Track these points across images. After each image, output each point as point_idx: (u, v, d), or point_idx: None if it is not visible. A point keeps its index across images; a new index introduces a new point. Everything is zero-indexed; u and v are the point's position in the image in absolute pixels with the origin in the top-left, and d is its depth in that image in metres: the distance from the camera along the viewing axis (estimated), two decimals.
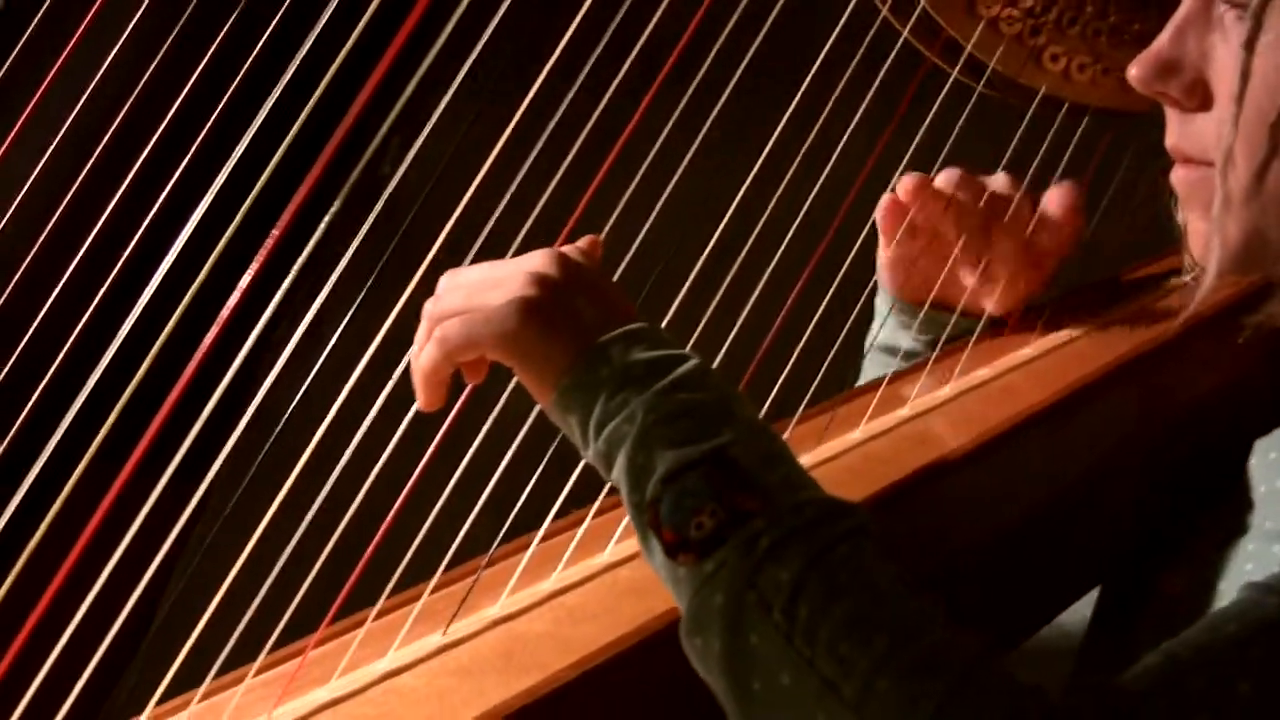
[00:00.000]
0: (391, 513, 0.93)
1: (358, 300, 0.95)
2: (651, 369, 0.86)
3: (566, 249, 0.93)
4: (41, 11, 0.95)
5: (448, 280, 0.93)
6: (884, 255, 1.26)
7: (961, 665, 0.77)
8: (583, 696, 0.88)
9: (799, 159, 1.08)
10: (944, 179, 1.22)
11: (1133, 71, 0.96)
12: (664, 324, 0.97)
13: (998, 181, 1.23)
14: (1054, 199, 1.23)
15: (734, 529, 0.81)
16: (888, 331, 1.29)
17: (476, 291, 0.90)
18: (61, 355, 0.93)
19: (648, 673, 0.89)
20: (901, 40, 1.15)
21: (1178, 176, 0.98)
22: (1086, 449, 1.10)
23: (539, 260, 0.91)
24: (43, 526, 0.88)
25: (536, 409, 0.92)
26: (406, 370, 0.93)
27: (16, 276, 0.95)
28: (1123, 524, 1.09)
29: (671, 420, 0.84)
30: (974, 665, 0.78)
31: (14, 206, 0.95)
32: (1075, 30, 1.20)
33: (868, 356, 1.31)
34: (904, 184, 1.21)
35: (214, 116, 0.96)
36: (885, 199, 1.22)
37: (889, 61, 1.13)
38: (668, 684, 0.88)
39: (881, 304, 1.29)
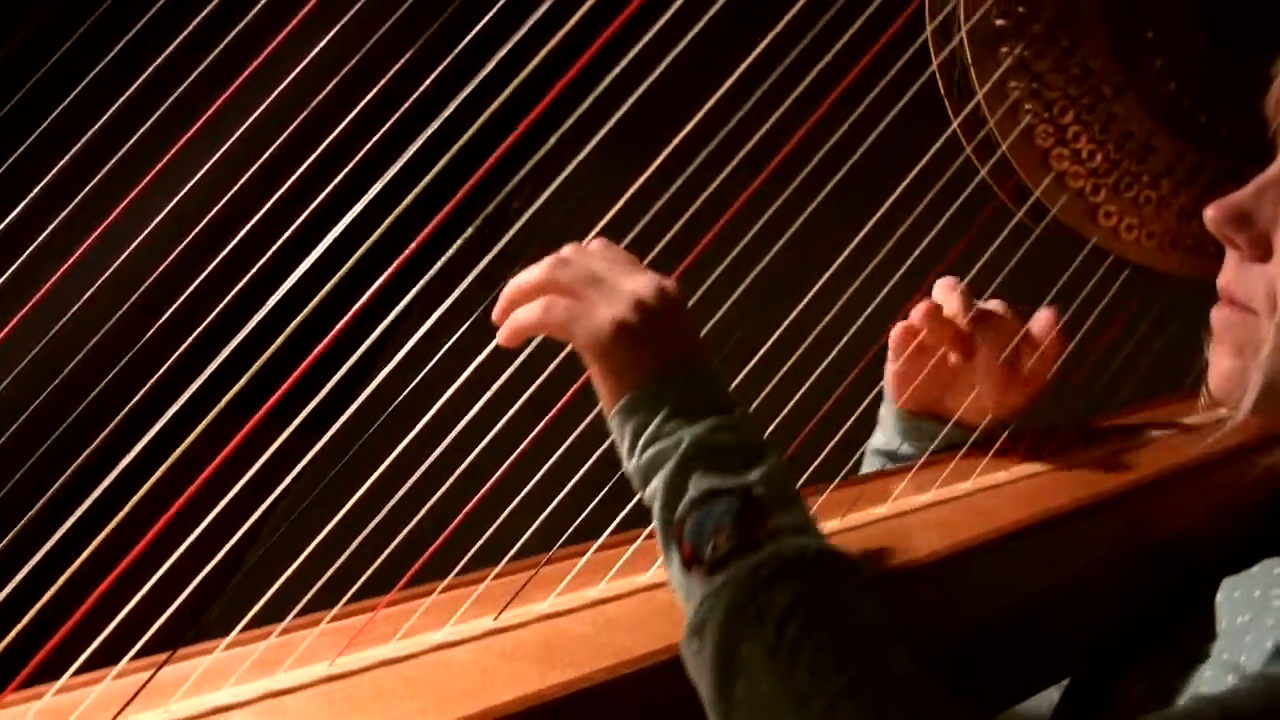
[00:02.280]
0: (472, 502, 1.05)
1: (475, 313, 1.08)
2: (705, 406, 0.98)
3: (671, 283, 1.03)
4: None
5: (575, 254, 1.04)
6: (891, 368, 1.35)
7: (920, 703, 0.88)
8: (611, 699, 0.97)
9: (873, 265, 1.21)
10: (949, 298, 1.31)
11: (1209, 212, 1.05)
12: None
13: (994, 305, 1.32)
14: (1038, 322, 1.31)
15: (744, 554, 0.93)
16: (886, 437, 1.38)
17: (593, 284, 1.01)
18: (218, 310, 1.05)
19: (670, 687, 0.97)
20: (979, 178, 1.28)
21: (1219, 315, 1.06)
22: (1051, 569, 1.17)
23: (648, 286, 1.02)
24: (175, 453, 1.00)
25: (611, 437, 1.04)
26: (505, 382, 1.06)
27: (190, 239, 1.07)
28: (1089, 633, 1.16)
29: (710, 453, 0.97)
30: (932, 703, 0.89)
31: (194, 181, 1.08)
32: (1130, 195, 1.31)
33: (866, 458, 1.40)
34: (918, 309, 1.30)
35: (386, 129, 1.09)
36: (901, 325, 1.31)
37: (965, 193, 1.26)
38: (685, 701, 0.96)
39: (885, 412, 1.39)
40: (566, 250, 1.05)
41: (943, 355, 1.32)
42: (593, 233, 1.09)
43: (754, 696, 0.90)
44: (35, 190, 1.05)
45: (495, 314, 1.05)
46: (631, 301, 1.01)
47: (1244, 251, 1.05)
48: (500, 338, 1.04)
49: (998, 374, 1.30)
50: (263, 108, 1.08)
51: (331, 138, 1.08)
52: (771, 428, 1.13)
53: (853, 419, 1.25)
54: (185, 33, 1.10)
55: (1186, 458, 1.19)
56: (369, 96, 1.08)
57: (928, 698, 0.89)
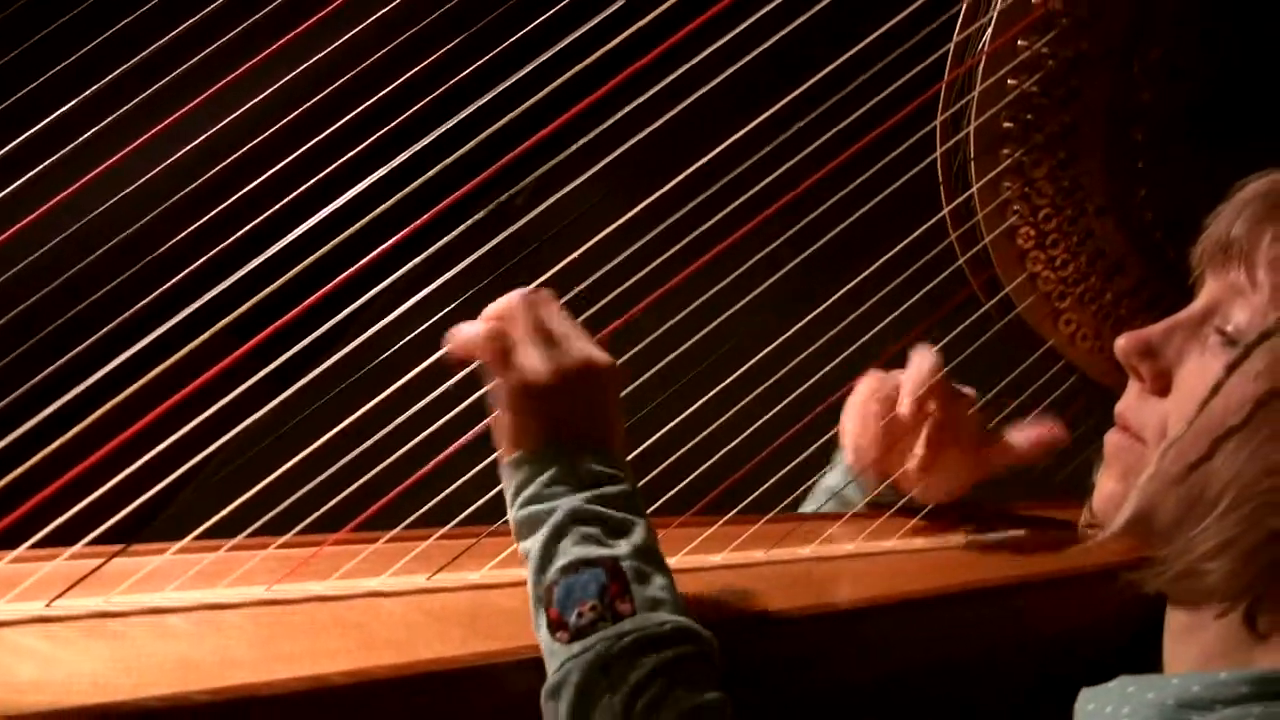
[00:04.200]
0: (429, 465, 1.11)
1: (463, 295, 1.14)
2: (589, 480, 1.06)
3: (610, 366, 1.08)
4: None
5: (541, 302, 1.09)
6: (850, 415, 1.38)
7: None
8: (526, 677, 1.03)
9: (844, 324, 1.29)
10: (925, 380, 1.34)
11: (1120, 342, 1.11)
12: (686, 411, 1.17)
13: (966, 392, 1.37)
14: (1029, 434, 1.37)
15: (605, 625, 1.01)
16: (837, 478, 1.44)
17: (542, 338, 1.07)
18: (229, 242, 1.11)
19: None
20: (956, 265, 1.36)
21: (1112, 439, 1.12)
22: (941, 642, 1.23)
23: (581, 360, 1.08)
24: (168, 361, 1.06)
25: None
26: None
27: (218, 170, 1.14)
28: (963, 712, 1.24)
29: (585, 523, 1.04)
30: None
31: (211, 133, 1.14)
32: (1092, 308, 1.39)
33: (814, 492, 1.46)
34: (911, 402, 1.33)
35: (412, 112, 1.16)
36: (869, 385, 1.37)
37: (942, 275, 1.34)
38: None
39: (841, 462, 1.44)
40: (539, 293, 1.11)
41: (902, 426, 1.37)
42: (585, 245, 1.16)
43: None
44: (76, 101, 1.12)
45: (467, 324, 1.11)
46: (563, 367, 1.07)
47: (1146, 384, 1.10)
48: (449, 344, 1.09)
49: (955, 463, 1.36)
50: (302, 68, 1.14)
51: (369, 103, 1.15)
52: (723, 452, 1.21)
53: (798, 460, 1.32)
54: None
55: (1081, 564, 1.25)
56: (410, 73, 1.15)
57: None
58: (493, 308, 1.09)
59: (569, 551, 1.03)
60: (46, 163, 1.08)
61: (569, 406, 1.07)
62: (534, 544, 1.04)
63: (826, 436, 1.37)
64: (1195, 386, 1.06)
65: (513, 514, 1.06)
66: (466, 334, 1.09)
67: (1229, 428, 1.03)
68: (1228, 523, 1.01)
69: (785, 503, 1.38)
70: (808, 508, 1.45)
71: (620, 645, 1.00)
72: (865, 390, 1.38)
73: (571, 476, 1.05)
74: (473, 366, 1.10)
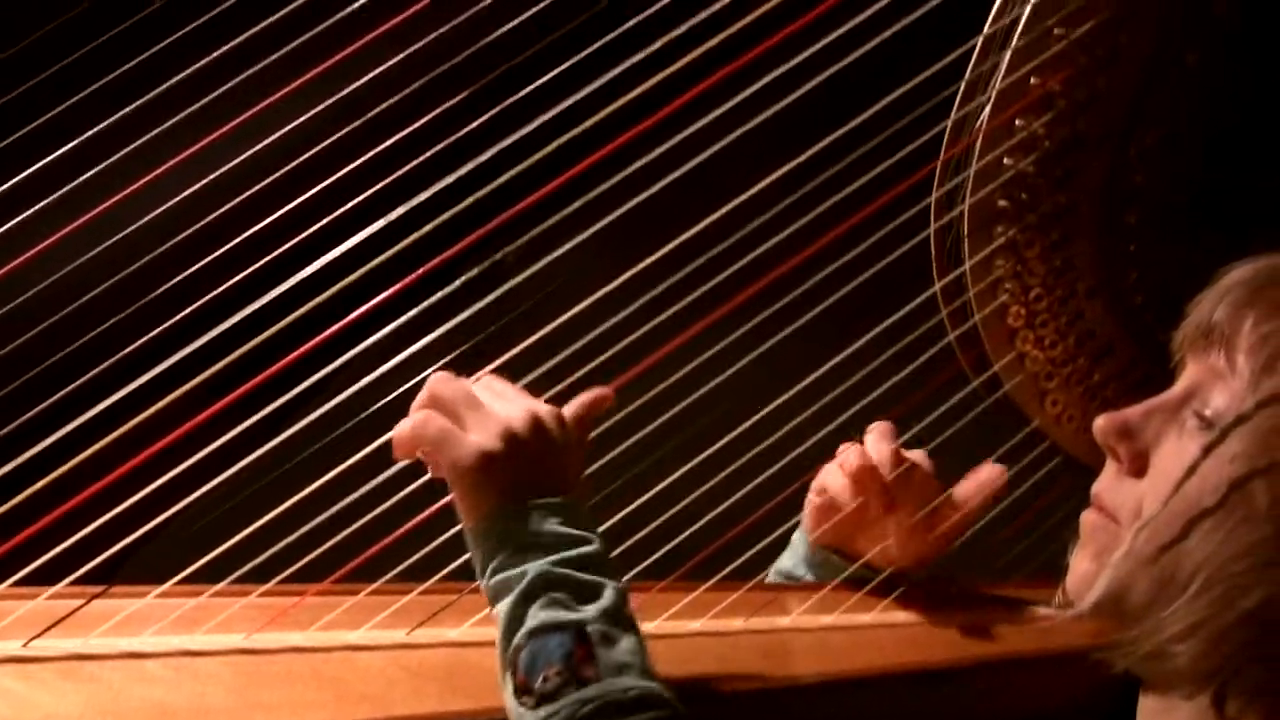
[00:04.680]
0: (413, 521, 1.12)
1: (454, 354, 1.15)
2: (554, 541, 1.05)
3: (548, 414, 1.08)
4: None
5: (444, 382, 1.08)
6: (811, 499, 1.38)
7: None
8: None
9: (830, 396, 1.30)
10: (879, 450, 1.33)
11: (1099, 422, 1.13)
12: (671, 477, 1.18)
13: (919, 458, 1.35)
14: (969, 486, 1.36)
15: (570, 690, 1.00)
16: (792, 562, 1.42)
17: (471, 407, 1.07)
18: (219, 291, 1.13)
19: None
20: (945, 341, 1.37)
21: (1087, 519, 1.14)
22: (918, 717, 1.24)
23: (522, 416, 1.07)
24: (156, 406, 1.07)
25: None
26: None
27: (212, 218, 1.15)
28: None
29: (551, 588, 1.03)
30: None
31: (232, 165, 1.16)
32: (1079, 389, 1.40)
33: (770, 575, 1.43)
34: (854, 468, 1.32)
35: (410, 168, 1.18)
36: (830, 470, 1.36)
37: (930, 352, 1.34)
38: None
39: (797, 538, 1.42)
40: (448, 372, 1.10)
41: (861, 501, 1.36)
42: (575, 309, 1.17)
43: None
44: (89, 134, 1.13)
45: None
46: (499, 430, 1.06)
47: (1123, 465, 1.12)
48: (394, 451, 1.09)
49: (910, 528, 1.35)
50: (295, 123, 1.16)
51: (369, 156, 1.16)
52: (706, 519, 1.22)
53: (781, 530, 1.34)
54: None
55: (1052, 645, 1.26)
56: (406, 132, 1.16)
57: None
58: (416, 403, 1.09)
59: (536, 616, 1.02)
60: (35, 208, 1.09)
61: (519, 466, 1.06)
62: (502, 609, 1.04)
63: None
64: (1171, 468, 1.08)
65: (484, 584, 1.06)
66: (399, 427, 1.08)
67: (1203, 509, 1.04)
68: (1199, 604, 1.03)
69: (767, 572, 1.39)
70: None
71: (584, 711, 0.99)
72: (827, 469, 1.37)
73: (535, 539, 1.04)
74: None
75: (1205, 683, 1.04)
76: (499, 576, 1.04)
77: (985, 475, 1.37)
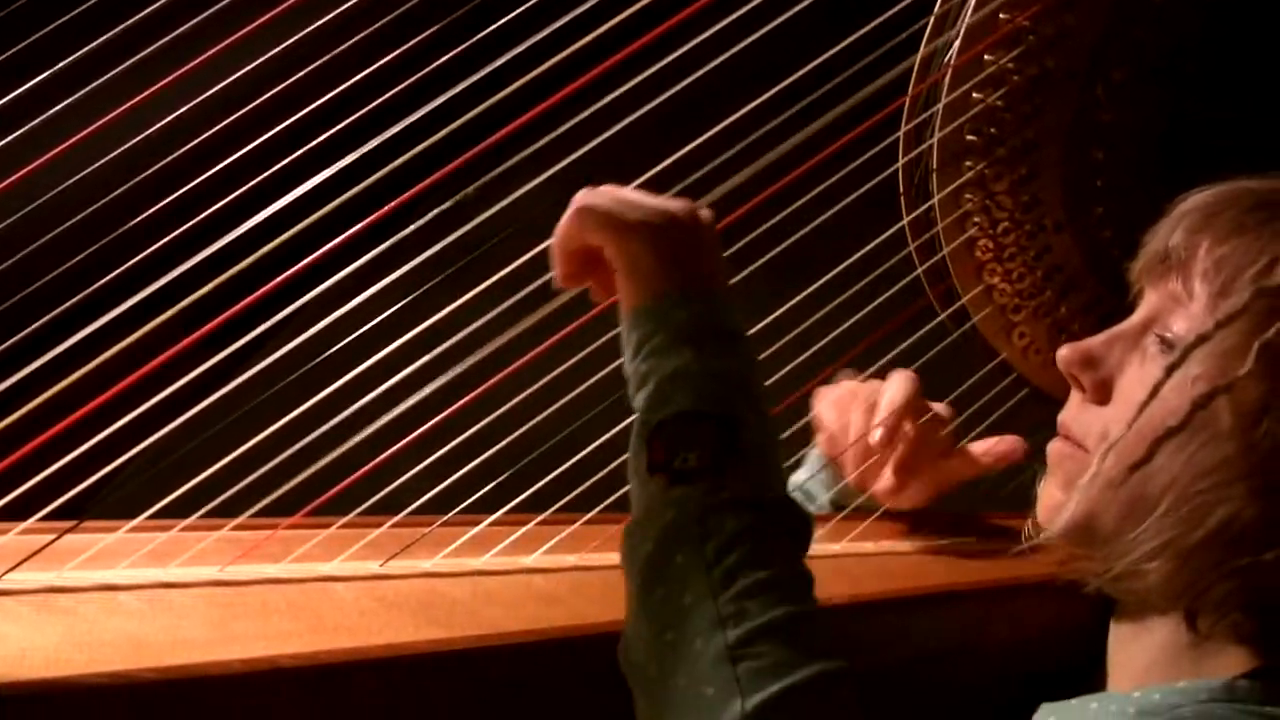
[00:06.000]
0: (386, 453, 1.13)
1: (422, 289, 1.16)
2: (714, 332, 1.03)
3: (699, 206, 1.08)
4: None
5: (600, 189, 1.07)
6: (828, 421, 1.40)
7: (830, 672, 0.95)
8: (475, 667, 1.03)
9: (798, 330, 1.30)
10: (903, 398, 1.35)
11: (1062, 352, 1.15)
12: None
13: (941, 409, 1.39)
14: (992, 447, 1.39)
15: (711, 476, 0.98)
16: (811, 482, 1.46)
17: (622, 202, 1.05)
18: (187, 227, 1.12)
19: (531, 671, 1.05)
20: (914, 275, 1.38)
21: (1054, 448, 1.16)
22: (921, 639, 1.24)
23: (677, 205, 1.06)
24: (124, 342, 1.07)
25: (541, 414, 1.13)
26: (447, 348, 1.13)
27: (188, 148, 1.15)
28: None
29: (708, 377, 1.01)
30: (836, 677, 0.95)
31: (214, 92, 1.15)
32: (1046, 322, 1.41)
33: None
34: (888, 421, 1.34)
35: (372, 107, 1.17)
36: (848, 388, 1.39)
37: (898, 285, 1.35)
38: (542, 688, 1.05)
39: (813, 458, 1.46)
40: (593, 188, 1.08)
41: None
42: (537, 249, 1.15)
43: (672, 606, 0.96)
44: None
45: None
46: (662, 210, 1.05)
47: (1087, 393, 1.14)
48: (554, 274, 1.08)
49: (916, 473, 1.37)
50: (259, 61, 1.16)
51: (331, 95, 1.16)
52: None
53: None
54: None
55: (1021, 574, 1.27)
56: (370, 69, 1.16)
57: (836, 670, 0.95)
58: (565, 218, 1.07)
59: (689, 397, 1.00)
60: None
61: (682, 246, 1.04)
62: (650, 386, 1.02)
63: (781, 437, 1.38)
64: (1135, 393, 1.10)
65: (631, 366, 1.04)
66: (559, 233, 1.06)
67: (1168, 429, 1.06)
68: (1167, 523, 1.05)
69: None
70: None
71: (720, 498, 0.97)
72: (846, 394, 1.39)
73: (697, 327, 1.02)
74: (439, 351, 1.11)
75: (1176, 600, 1.06)
76: (655, 359, 1.02)
77: (1006, 447, 1.38)
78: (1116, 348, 1.14)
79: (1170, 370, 1.07)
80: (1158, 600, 1.08)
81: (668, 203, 1.07)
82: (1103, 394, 1.13)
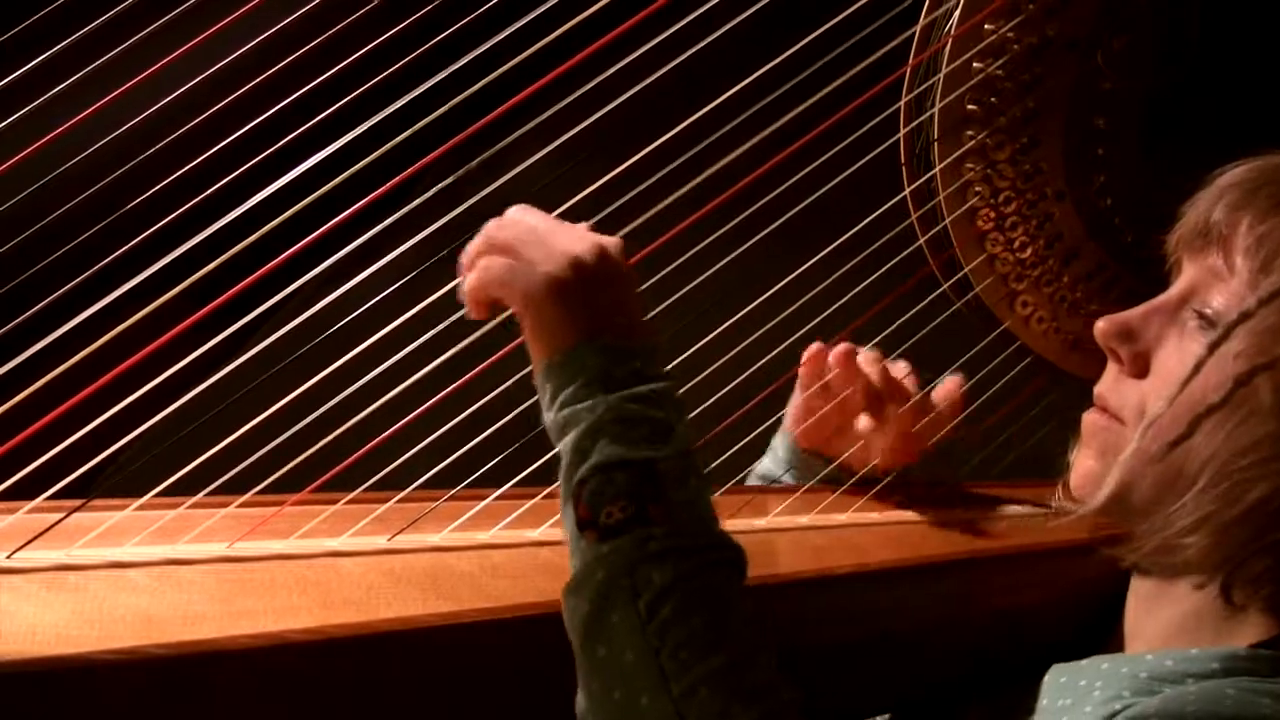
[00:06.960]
0: (392, 428, 1.13)
1: (424, 265, 1.16)
2: (627, 376, 1.03)
3: (611, 243, 1.07)
4: None
5: (515, 214, 1.07)
6: (795, 400, 1.42)
7: (773, 710, 0.96)
8: (484, 639, 1.04)
9: (802, 301, 1.31)
10: (865, 357, 1.38)
11: (1100, 324, 1.15)
12: None
13: (899, 368, 1.40)
14: (941, 391, 1.40)
15: (635, 527, 0.99)
16: (773, 464, 1.46)
17: (533, 242, 1.05)
18: (194, 203, 1.12)
19: (539, 641, 1.04)
20: (916, 245, 1.38)
21: (1090, 419, 1.16)
22: (900, 614, 1.23)
23: (588, 246, 1.05)
24: (132, 319, 1.07)
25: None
26: (448, 325, 1.13)
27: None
28: (920, 682, 1.25)
29: (623, 423, 1.01)
30: (779, 714, 0.96)
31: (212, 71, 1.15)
32: (1048, 290, 1.41)
33: (750, 479, 1.47)
34: (837, 351, 1.37)
35: (376, 82, 1.17)
36: (813, 348, 1.38)
37: (901, 255, 1.35)
38: (550, 657, 1.03)
39: (778, 440, 1.47)
40: (508, 212, 1.09)
41: (843, 399, 1.39)
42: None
43: (615, 665, 0.97)
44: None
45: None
46: (568, 260, 1.04)
47: (1124, 366, 1.14)
48: (467, 310, 1.09)
49: (890, 430, 1.37)
50: (263, 37, 1.16)
51: (332, 72, 1.16)
52: None
53: (754, 434, 1.34)
54: None
55: (1039, 540, 1.28)
56: (372, 45, 1.16)
57: (781, 707, 0.97)
58: (470, 247, 1.08)
59: (604, 451, 1.00)
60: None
61: (591, 295, 1.04)
62: (568, 441, 1.02)
63: (782, 412, 1.39)
64: (1174, 367, 1.10)
65: (549, 418, 1.04)
66: (468, 287, 1.07)
67: (1209, 405, 1.06)
68: (1206, 498, 1.05)
69: (742, 475, 1.40)
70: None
71: (649, 549, 0.98)
72: (811, 368, 1.40)
73: (609, 374, 1.02)
74: (443, 326, 1.11)
75: (1214, 573, 1.06)
76: (569, 409, 1.02)
77: (950, 385, 1.40)
78: (1154, 321, 1.14)
79: (1213, 347, 1.07)
80: (1194, 572, 1.08)
81: (573, 244, 1.06)
82: (1140, 367, 1.14)
